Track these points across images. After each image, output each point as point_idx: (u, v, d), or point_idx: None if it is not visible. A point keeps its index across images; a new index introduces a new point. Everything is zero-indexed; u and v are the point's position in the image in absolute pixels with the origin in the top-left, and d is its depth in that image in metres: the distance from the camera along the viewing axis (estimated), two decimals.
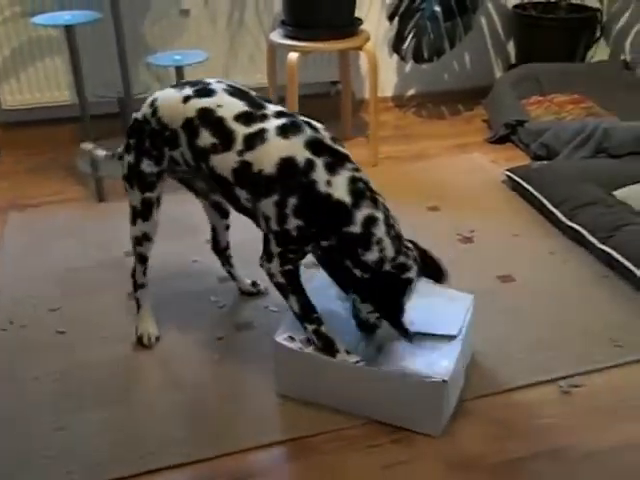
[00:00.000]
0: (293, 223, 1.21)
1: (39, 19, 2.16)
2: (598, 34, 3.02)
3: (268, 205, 1.24)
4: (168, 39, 2.70)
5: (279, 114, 1.28)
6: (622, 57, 2.99)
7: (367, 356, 1.31)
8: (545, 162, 2.34)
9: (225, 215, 1.62)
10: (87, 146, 1.66)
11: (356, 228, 1.20)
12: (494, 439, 1.28)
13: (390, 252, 1.22)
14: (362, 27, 2.45)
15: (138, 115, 1.41)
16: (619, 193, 2.04)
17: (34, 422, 1.34)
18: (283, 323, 1.37)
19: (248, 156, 1.25)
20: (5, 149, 2.61)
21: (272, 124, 1.26)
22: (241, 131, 1.26)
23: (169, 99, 1.36)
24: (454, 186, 2.30)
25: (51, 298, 1.73)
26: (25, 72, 2.62)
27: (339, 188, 1.19)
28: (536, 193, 2.11)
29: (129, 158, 1.41)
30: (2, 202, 2.26)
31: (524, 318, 1.62)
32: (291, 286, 1.31)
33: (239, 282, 1.71)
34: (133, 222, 1.46)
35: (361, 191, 1.20)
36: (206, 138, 1.29)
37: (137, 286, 1.54)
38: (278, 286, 1.32)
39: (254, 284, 1.71)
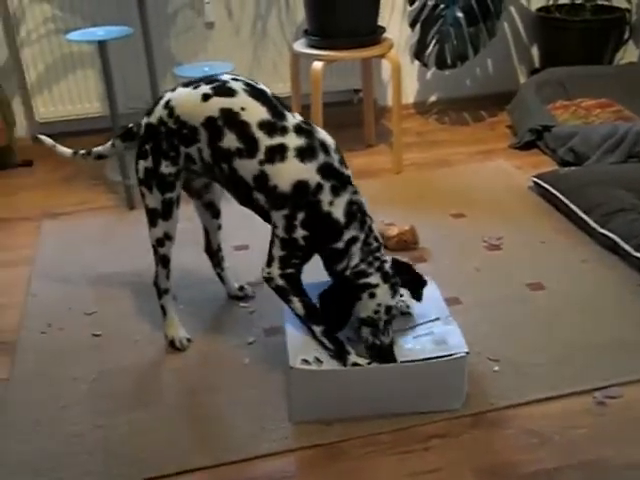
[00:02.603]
0: (300, 233, 1.34)
1: (73, 35, 2.23)
2: (627, 35, 2.98)
3: (279, 216, 1.35)
4: (194, 51, 2.77)
5: (298, 129, 1.35)
6: None
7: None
8: (574, 167, 2.31)
9: (217, 215, 1.65)
10: (47, 140, 1.68)
11: (340, 245, 1.34)
12: (526, 449, 1.27)
13: (354, 262, 1.35)
14: (385, 35, 2.48)
15: (152, 120, 1.44)
16: None
17: (73, 421, 1.39)
18: (289, 348, 1.34)
19: (267, 168, 1.34)
20: (39, 160, 2.70)
21: (292, 142, 1.33)
22: (264, 141, 1.34)
23: (186, 97, 1.39)
24: (479, 193, 2.30)
25: (86, 302, 1.79)
26: (57, 85, 2.71)
27: (338, 209, 1.32)
28: (565, 199, 2.07)
29: (146, 163, 1.45)
30: (36, 211, 2.34)
31: (556, 326, 1.60)
32: (292, 288, 1.38)
33: (227, 286, 1.76)
34: (153, 224, 1.49)
35: (354, 213, 1.35)
36: (231, 141, 1.35)
37: (161, 293, 1.58)
38: (278, 290, 1.39)
39: (241, 288, 1.76)
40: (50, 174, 2.62)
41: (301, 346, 1.35)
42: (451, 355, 1.31)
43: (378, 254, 1.36)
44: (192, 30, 2.75)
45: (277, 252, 1.37)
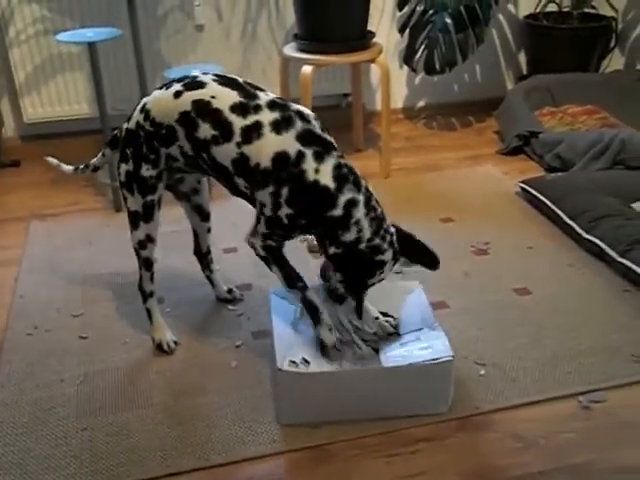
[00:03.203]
0: (285, 211, 1.31)
1: (63, 37, 2.22)
2: (613, 43, 3.02)
3: (265, 195, 1.33)
4: (183, 54, 2.77)
5: (272, 105, 1.33)
6: (638, 67, 2.98)
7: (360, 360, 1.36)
8: (560, 173, 2.33)
9: (206, 218, 1.66)
10: (52, 161, 1.73)
11: (338, 211, 1.28)
12: (512, 452, 1.28)
13: (367, 233, 1.30)
14: (374, 40, 2.49)
15: (130, 125, 1.45)
16: (638, 205, 2.02)
17: (59, 423, 1.38)
18: (276, 350, 1.35)
19: (246, 149, 1.32)
20: (27, 161, 2.68)
21: (266, 118, 1.31)
22: (238, 123, 1.32)
23: (160, 98, 1.41)
24: (467, 198, 2.32)
25: (73, 304, 1.78)
26: (46, 86, 2.69)
27: (325, 175, 1.28)
28: (551, 205, 2.09)
29: (127, 166, 1.45)
30: (24, 212, 2.33)
31: (542, 331, 1.61)
32: (273, 258, 1.39)
33: (216, 288, 1.76)
34: (135, 226, 1.50)
35: (344, 176, 1.29)
36: (206, 130, 1.34)
37: (146, 296, 1.58)
38: (261, 258, 1.41)
39: (230, 291, 1.76)
40: (38, 175, 2.60)
41: (288, 348, 1.36)
42: (437, 359, 1.32)
43: (385, 225, 1.33)
44: (182, 33, 2.75)
45: (261, 229, 1.36)
